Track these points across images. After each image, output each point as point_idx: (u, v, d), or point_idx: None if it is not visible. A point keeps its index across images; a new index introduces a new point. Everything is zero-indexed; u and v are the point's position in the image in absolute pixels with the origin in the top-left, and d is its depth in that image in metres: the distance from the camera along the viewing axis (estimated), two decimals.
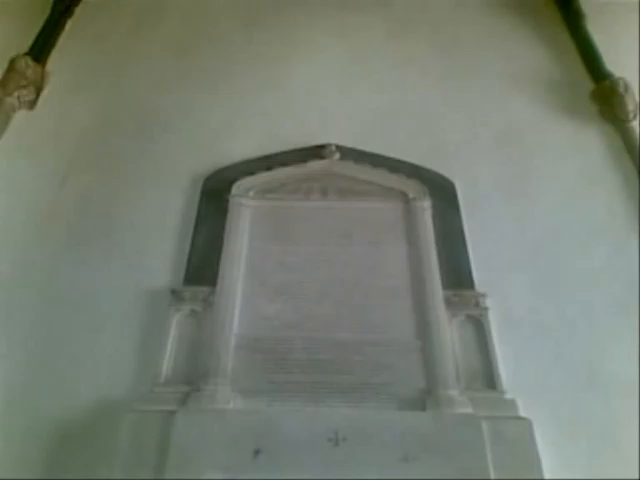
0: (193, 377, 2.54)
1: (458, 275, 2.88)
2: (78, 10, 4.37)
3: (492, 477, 2.20)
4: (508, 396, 2.49)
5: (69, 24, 4.27)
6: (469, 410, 2.44)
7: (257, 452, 2.25)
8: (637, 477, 2.30)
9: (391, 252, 2.98)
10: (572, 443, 2.38)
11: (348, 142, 3.39)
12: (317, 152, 3.35)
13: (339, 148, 3.35)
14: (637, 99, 3.62)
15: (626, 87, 3.66)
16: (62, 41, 4.14)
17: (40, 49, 3.96)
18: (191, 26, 4.28)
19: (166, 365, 2.57)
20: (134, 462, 2.24)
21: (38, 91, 3.76)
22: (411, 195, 3.18)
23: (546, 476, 2.21)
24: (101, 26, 4.29)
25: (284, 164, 3.31)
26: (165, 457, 2.23)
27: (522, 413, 2.42)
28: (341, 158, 3.33)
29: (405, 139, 3.49)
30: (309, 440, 2.28)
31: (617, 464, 2.33)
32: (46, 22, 4.14)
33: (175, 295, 2.77)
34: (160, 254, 2.98)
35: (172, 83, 3.87)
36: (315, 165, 3.32)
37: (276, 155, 3.35)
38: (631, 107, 3.59)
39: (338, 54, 4.03)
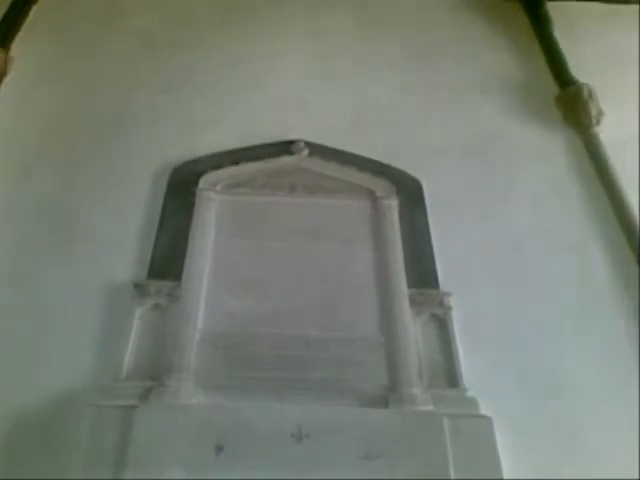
0: (156, 372, 2.50)
1: (423, 274, 2.90)
2: (40, 2, 4.22)
3: (452, 473, 2.22)
4: (469, 394, 2.52)
5: (34, 10, 4.13)
6: (431, 408, 2.46)
7: (219, 448, 2.24)
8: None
9: (358, 249, 2.99)
10: (531, 441, 2.43)
11: (318, 139, 3.38)
12: (286, 148, 3.34)
13: (308, 145, 3.34)
14: (600, 105, 3.69)
15: (590, 93, 3.74)
16: (26, 28, 4.00)
17: (4, 34, 3.84)
18: (161, 18, 4.20)
19: (128, 360, 2.53)
20: (93, 458, 2.20)
21: (1, 77, 3.64)
22: (379, 193, 3.19)
23: (505, 473, 2.25)
24: (68, 15, 4.18)
25: (253, 159, 3.29)
26: (125, 453, 2.20)
27: (483, 411, 2.46)
28: (310, 154, 3.33)
29: (374, 138, 3.50)
30: (272, 436, 2.28)
31: (575, 461, 2.39)
32: (9, 8, 3.99)
33: (138, 289, 2.73)
34: (124, 247, 2.93)
35: (141, 76, 3.80)
36: (284, 161, 3.31)
37: (245, 150, 3.32)
38: (594, 113, 3.67)
39: (310, 52, 4.01)
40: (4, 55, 3.71)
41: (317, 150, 3.34)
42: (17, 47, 3.85)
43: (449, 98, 3.83)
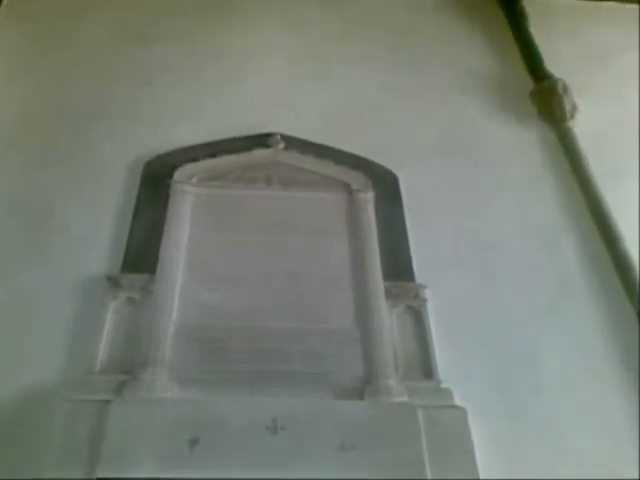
0: (130, 366, 2.47)
1: (399, 267, 2.91)
2: None
3: (426, 464, 2.23)
4: (444, 385, 2.53)
5: (3, 5, 4.03)
6: (406, 399, 2.47)
7: (194, 442, 2.22)
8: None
9: (334, 242, 2.99)
10: (506, 432, 2.44)
11: (294, 133, 3.36)
12: (262, 141, 3.32)
13: (284, 138, 3.33)
14: (574, 101, 3.73)
15: (565, 87, 3.78)
16: None
17: None
18: (138, 10, 4.14)
19: (102, 353, 2.49)
20: (67, 454, 2.16)
21: None
22: (354, 186, 3.19)
23: (479, 463, 2.26)
24: (41, 8, 4.10)
25: (228, 152, 3.26)
26: (99, 448, 2.16)
27: (457, 402, 2.47)
28: (286, 148, 3.31)
29: (351, 132, 3.50)
30: (247, 429, 2.26)
31: (549, 452, 2.41)
32: None
33: (111, 282, 2.69)
34: (97, 241, 2.88)
35: (115, 69, 3.74)
36: (260, 154, 3.29)
37: (220, 142, 3.30)
38: (569, 107, 3.71)
39: (289, 46, 4.00)
40: None
41: (293, 143, 3.32)
42: None
43: (426, 95, 3.84)
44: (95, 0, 4.20)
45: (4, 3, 4.05)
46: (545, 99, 3.80)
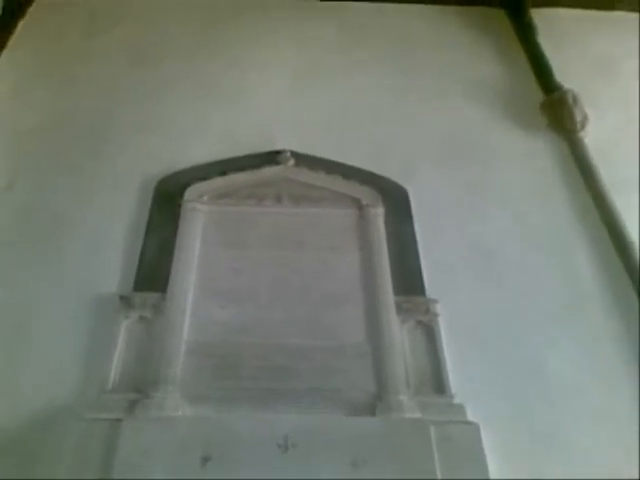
0: (142, 384, 2.49)
1: (409, 281, 2.90)
2: (30, 10, 4.28)
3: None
4: (456, 401, 2.51)
5: (21, 24, 4.17)
6: (418, 415, 2.45)
7: (206, 459, 2.22)
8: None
9: (344, 258, 3.00)
10: (519, 447, 2.42)
11: (303, 149, 3.39)
12: (272, 158, 3.35)
13: (294, 154, 3.35)
14: (585, 111, 3.71)
15: (575, 98, 3.76)
16: (13, 41, 4.03)
17: None
18: (146, 30, 4.25)
19: (114, 372, 2.51)
20: (79, 472, 2.18)
21: None
22: (364, 202, 3.20)
23: (492, 478, 2.24)
24: (54, 27, 4.22)
25: (238, 169, 3.29)
26: (111, 466, 2.17)
27: (470, 418, 2.45)
28: (296, 164, 3.34)
29: (360, 146, 3.53)
30: (258, 446, 2.26)
31: (564, 467, 2.37)
32: None
33: (124, 301, 2.72)
34: (109, 259, 2.93)
35: (126, 86, 3.82)
36: (270, 171, 3.31)
37: (230, 160, 3.33)
38: (579, 118, 3.69)
39: (295, 61, 4.06)
40: None
41: (303, 160, 3.35)
42: (3, 62, 3.87)
43: (434, 106, 3.86)
44: (107, 18, 4.32)
45: (22, 22, 4.19)
46: (555, 110, 3.78)
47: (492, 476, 2.25)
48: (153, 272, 2.86)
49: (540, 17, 4.36)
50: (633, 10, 4.55)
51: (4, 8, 4.14)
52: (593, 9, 4.59)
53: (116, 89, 3.81)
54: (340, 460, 2.24)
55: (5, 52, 3.93)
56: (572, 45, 4.23)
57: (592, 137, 3.62)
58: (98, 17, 4.31)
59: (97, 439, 2.26)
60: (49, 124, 3.57)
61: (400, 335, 2.72)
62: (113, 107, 3.68)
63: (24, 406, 2.44)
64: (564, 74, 3.95)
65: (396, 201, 3.23)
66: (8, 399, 2.46)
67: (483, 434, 2.36)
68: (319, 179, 3.28)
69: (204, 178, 3.24)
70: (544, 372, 2.68)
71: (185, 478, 2.19)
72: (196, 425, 2.35)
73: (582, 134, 3.65)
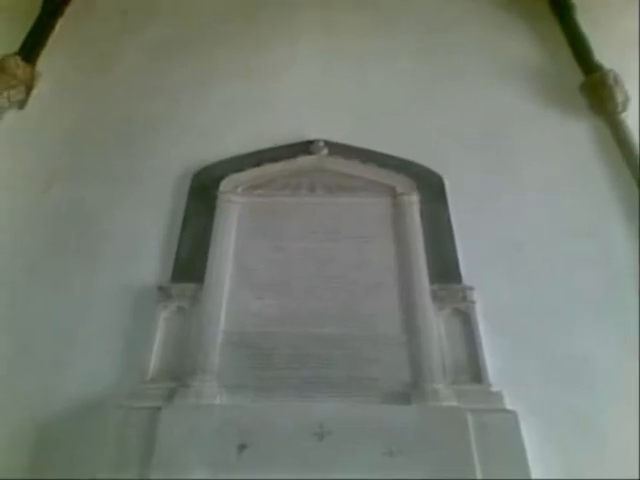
0: (180, 373, 2.55)
1: (445, 269, 2.87)
2: (68, 10, 4.36)
3: (477, 469, 2.19)
4: (494, 389, 2.48)
5: (59, 24, 4.25)
6: (454, 403, 2.44)
7: (242, 447, 2.26)
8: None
9: (378, 247, 2.98)
10: (558, 435, 2.37)
11: (337, 137, 3.37)
12: (305, 148, 3.35)
13: (327, 144, 3.35)
14: (626, 91, 3.59)
15: (616, 79, 3.63)
16: (52, 41, 4.12)
17: (30, 49, 3.94)
18: (178, 27, 4.27)
19: (153, 362, 2.57)
20: (120, 458, 2.25)
21: (28, 91, 3.75)
22: (399, 190, 3.17)
23: (531, 468, 2.20)
24: (90, 27, 4.29)
25: (272, 160, 3.30)
26: (151, 453, 2.23)
27: (508, 406, 2.42)
28: (329, 154, 3.33)
29: (393, 134, 3.47)
30: (294, 434, 2.28)
31: (602, 456, 2.33)
32: (36, 22, 4.12)
33: (162, 292, 2.77)
34: (148, 251, 2.99)
35: (160, 84, 3.86)
36: (303, 161, 3.32)
37: (264, 151, 3.34)
38: (621, 99, 3.57)
39: (325, 51, 4.01)
40: (30, 70, 3.82)
41: (336, 149, 3.33)
42: (43, 61, 3.96)
43: (469, 90, 3.78)
44: (139, 16, 4.36)
45: (60, 21, 4.28)
46: (596, 92, 3.66)
47: (531, 464, 2.22)
48: (190, 263, 2.91)
49: None
50: None
51: (43, 8, 4.23)
52: None
53: (148, 86, 3.86)
54: (376, 448, 2.25)
55: (44, 52, 4.02)
56: (611, 24, 4.05)
57: (634, 119, 3.48)
58: (131, 15, 4.36)
59: (137, 427, 2.32)
60: (84, 124, 3.65)
61: (436, 323, 2.70)
62: (146, 104, 3.73)
63: (67, 396, 2.52)
64: (604, 53, 3.81)
65: (431, 188, 3.19)
66: (52, 390, 2.54)
67: (521, 422, 2.32)
68: (353, 168, 3.27)
69: (238, 170, 3.26)
70: (582, 359, 2.62)
71: (222, 465, 2.22)
72: (233, 413, 2.39)
73: (624, 115, 3.53)
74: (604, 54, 3.79)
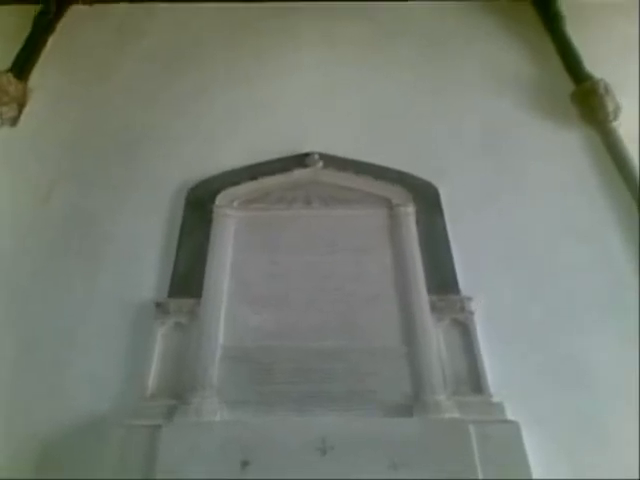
0: (179, 390, 2.53)
1: (443, 280, 2.88)
2: (59, 26, 4.36)
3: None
4: (495, 399, 2.48)
5: (51, 40, 4.25)
6: (456, 415, 2.43)
7: (245, 463, 2.24)
8: (637, 477, 2.30)
9: (376, 259, 2.98)
10: (560, 445, 2.38)
11: (332, 150, 3.39)
12: (300, 161, 3.35)
13: (322, 156, 3.35)
14: (617, 100, 3.63)
15: (606, 88, 3.67)
16: (44, 57, 4.12)
17: (22, 66, 3.94)
18: (173, 40, 4.29)
19: (152, 379, 2.56)
20: (121, 478, 2.22)
21: (20, 108, 3.75)
22: (395, 201, 3.18)
23: (534, 477, 2.20)
24: (83, 42, 4.29)
25: (268, 174, 3.31)
26: (152, 472, 2.21)
27: (510, 416, 2.42)
28: (324, 166, 3.34)
29: (388, 145, 3.51)
30: (297, 449, 2.27)
31: (605, 465, 2.32)
32: (27, 38, 4.12)
33: (160, 308, 2.76)
34: (145, 266, 2.99)
35: (155, 97, 3.87)
36: (299, 174, 3.32)
37: (260, 165, 3.35)
38: (611, 108, 3.60)
39: (320, 63, 4.05)
40: (23, 87, 3.82)
41: (331, 161, 3.35)
42: (35, 77, 3.96)
43: (463, 102, 3.82)
44: (135, 29, 4.37)
45: (52, 38, 4.28)
46: (586, 101, 3.70)
47: (535, 475, 2.22)
48: (187, 278, 2.90)
49: (568, 6, 4.26)
50: None
51: (34, 24, 4.23)
52: None
53: (146, 98, 3.86)
54: (379, 461, 2.24)
55: (36, 68, 4.01)
56: (600, 34, 4.11)
57: (625, 127, 3.52)
58: (127, 29, 4.37)
59: (138, 445, 2.30)
60: (82, 136, 3.65)
61: (435, 334, 2.70)
62: (143, 116, 3.74)
63: (65, 415, 2.50)
64: (595, 63, 3.85)
65: (427, 199, 3.21)
66: (49, 409, 2.53)
67: (524, 432, 2.32)
68: (348, 180, 3.28)
69: (234, 183, 3.26)
70: (582, 367, 2.63)
71: None
72: (234, 429, 2.37)
73: (615, 124, 3.57)
74: (595, 64, 3.83)
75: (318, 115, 3.67)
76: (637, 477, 2.30)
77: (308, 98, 3.80)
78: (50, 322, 2.79)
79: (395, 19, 4.42)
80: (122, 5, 4.56)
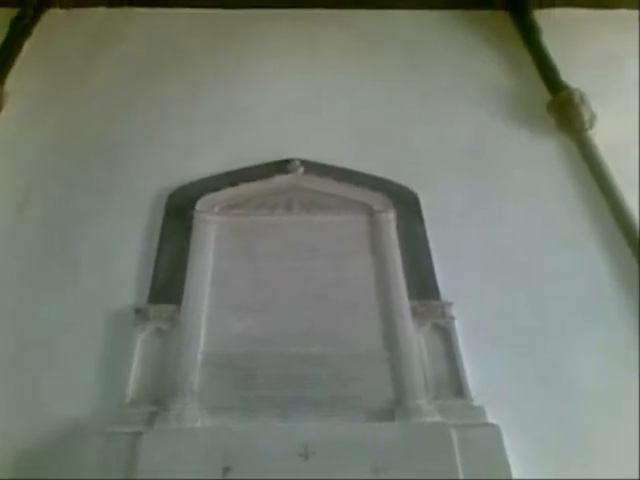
0: (160, 396, 2.49)
1: (424, 285, 2.90)
2: (36, 30, 4.31)
3: None
4: (476, 403, 2.50)
5: (27, 44, 4.20)
6: (438, 419, 2.44)
7: (227, 470, 2.21)
8: (637, 477, 2.32)
9: (356, 265, 2.99)
10: (541, 449, 2.39)
11: (313, 156, 3.39)
12: (281, 167, 3.35)
13: (303, 162, 3.36)
14: (592, 109, 3.70)
15: (582, 97, 3.74)
16: (20, 61, 4.06)
17: None
18: (152, 46, 4.26)
19: (132, 385, 2.52)
20: None
21: None
22: (375, 207, 3.20)
23: None
24: (60, 46, 4.23)
25: (248, 180, 3.30)
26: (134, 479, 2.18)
27: (491, 420, 2.43)
28: (305, 172, 3.34)
29: (370, 152, 3.53)
30: (279, 455, 2.25)
31: (586, 469, 2.33)
32: (3, 43, 4.05)
33: (140, 314, 2.72)
34: (124, 272, 2.94)
35: (134, 102, 3.83)
36: (279, 180, 3.32)
37: (240, 171, 3.34)
38: (587, 117, 3.67)
39: (301, 70, 4.06)
40: None
41: (312, 168, 3.35)
42: (11, 82, 3.89)
43: (442, 111, 3.85)
44: (109, 37, 4.32)
45: (28, 42, 4.23)
46: (563, 110, 3.77)
47: (515, 477, 2.22)
48: (167, 284, 2.87)
49: (543, 17, 4.37)
50: (634, 8, 4.54)
51: (10, 29, 4.17)
52: (596, 8, 4.57)
53: (125, 104, 3.82)
54: (361, 466, 2.23)
55: (13, 72, 3.95)
56: (577, 45, 4.20)
57: (601, 136, 3.59)
58: (104, 33, 4.32)
59: (118, 453, 2.25)
60: (60, 142, 3.59)
61: (417, 339, 2.71)
62: (122, 122, 3.70)
63: (44, 422, 2.44)
64: (571, 73, 3.93)
65: (407, 206, 3.23)
66: (27, 416, 2.47)
67: (505, 436, 2.33)
68: (329, 186, 3.29)
69: (215, 189, 3.25)
70: (563, 372, 2.66)
71: None
72: (216, 436, 2.34)
73: (591, 133, 3.63)
74: (571, 74, 3.91)
75: (299, 121, 3.68)
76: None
77: (289, 104, 3.81)
78: (28, 329, 2.74)
79: (376, 27, 4.46)
80: (100, 10, 4.51)
